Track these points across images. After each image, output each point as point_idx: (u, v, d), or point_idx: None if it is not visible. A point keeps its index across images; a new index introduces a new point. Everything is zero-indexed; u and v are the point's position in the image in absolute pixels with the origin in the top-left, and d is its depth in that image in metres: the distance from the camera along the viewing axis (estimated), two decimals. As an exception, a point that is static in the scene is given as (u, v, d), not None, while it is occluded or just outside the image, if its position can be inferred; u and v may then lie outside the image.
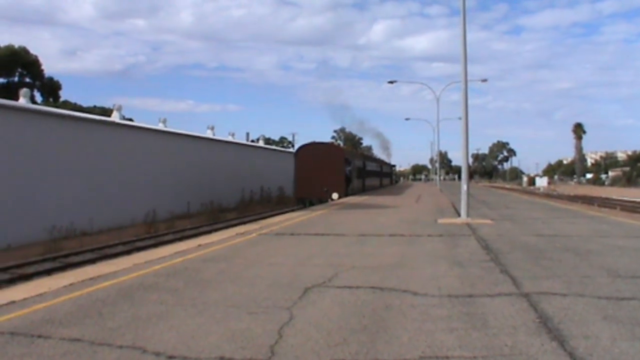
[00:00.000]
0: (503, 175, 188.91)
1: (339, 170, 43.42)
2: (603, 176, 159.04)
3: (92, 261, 19.23)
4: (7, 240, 23.90)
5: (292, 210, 34.36)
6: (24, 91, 32.43)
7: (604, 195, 64.39)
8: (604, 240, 15.08)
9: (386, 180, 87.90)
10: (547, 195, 69.92)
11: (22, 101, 30.70)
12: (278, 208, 44.74)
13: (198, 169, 43.96)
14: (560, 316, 6.97)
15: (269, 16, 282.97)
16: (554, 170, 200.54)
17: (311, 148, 45.05)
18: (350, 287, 8.86)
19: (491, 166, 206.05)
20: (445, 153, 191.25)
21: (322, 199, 40.67)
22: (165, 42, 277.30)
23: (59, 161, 28.37)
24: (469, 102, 22.82)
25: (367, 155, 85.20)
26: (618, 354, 5.64)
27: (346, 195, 43.28)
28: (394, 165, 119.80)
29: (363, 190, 54.36)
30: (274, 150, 69.18)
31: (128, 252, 20.80)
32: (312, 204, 39.20)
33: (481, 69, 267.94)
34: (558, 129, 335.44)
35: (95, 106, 71.41)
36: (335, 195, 41.06)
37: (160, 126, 44.26)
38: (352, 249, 13.60)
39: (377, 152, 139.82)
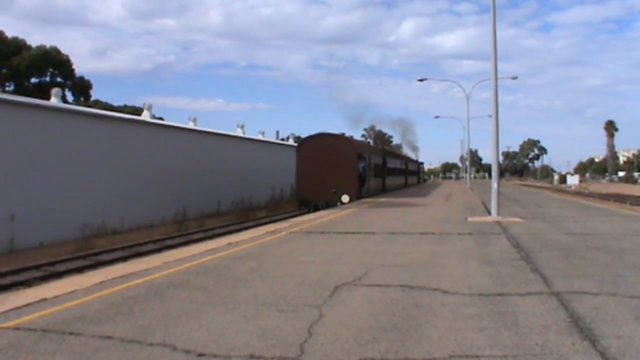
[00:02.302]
0: (534, 174, 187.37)
1: (351, 167, 36.44)
2: (635, 174, 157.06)
3: (123, 259, 19.43)
4: (39, 238, 24.21)
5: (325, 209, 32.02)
6: (55, 91, 32.87)
7: (636, 194, 63.43)
8: (637, 238, 14.90)
9: (412, 179, 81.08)
10: (579, 193, 69.19)
11: (54, 101, 31.12)
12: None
13: (228, 167, 44.11)
14: (591, 316, 6.89)
15: (298, 15, 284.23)
16: (586, 168, 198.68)
17: (316, 141, 37.70)
18: (380, 286, 8.84)
19: (522, 164, 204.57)
20: (476, 151, 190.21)
21: (330, 202, 34.07)
22: (195, 41, 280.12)
23: (90, 160, 28.65)
24: (499, 99, 22.68)
25: (388, 151, 75.64)
26: (652, 354, 5.56)
27: (360, 197, 36.92)
28: (421, 163, 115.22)
29: (383, 190, 47.93)
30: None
31: (158, 250, 20.98)
32: (317, 208, 33.28)
33: (511, 67, 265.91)
34: (590, 127, 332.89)
35: (125, 105, 72.27)
36: (345, 198, 34.24)
37: (191, 125, 44.60)
38: (382, 247, 13.56)
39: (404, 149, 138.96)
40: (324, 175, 35.02)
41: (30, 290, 9.53)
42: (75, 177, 27.49)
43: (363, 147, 43.45)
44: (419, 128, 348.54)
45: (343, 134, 41.08)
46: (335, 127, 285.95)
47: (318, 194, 34.89)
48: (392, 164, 57.32)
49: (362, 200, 36.06)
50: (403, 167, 69.43)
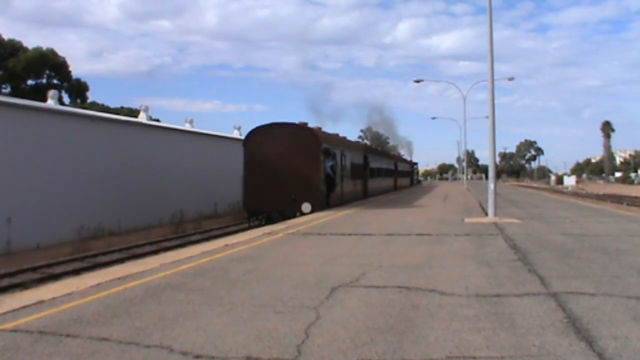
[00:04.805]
0: (531, 174, 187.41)
1: (314, 166, 28.32)
2: (632, 175, 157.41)
3: (120, 261, 19.41)
4: (36, 240, 24.18)
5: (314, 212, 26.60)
6: (52, 93, 32.96)
7: (633, 194, 63.49)
8: (634, 239, 14.91)
9: (404, 181, 73.18)
10: (576, 194, 69.21)
11: (51, 103, 31.14)
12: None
13: (226, 168, 44.05)
14: (588, 316, 6.89)
15: (294, 16, 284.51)
16: (582, 169, 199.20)
17: (268, 132, 28.89)
18: (377, 287, 8.83)
19: (519, 165, 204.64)
20: (472, 152, 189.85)
21: (287, 211, 26.26)
22: (191, 42, 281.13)
23: (87, 162, 28.62)
24: (496, 100, 22.64)
25: (371, 147, 64.73)
26: (649, 355, 5.56)
27: (328, 205, 29.36)
28: (416, 163, 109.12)
29: (364, 195, 40.58)
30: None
31: (155, 252, 20.96)
32: (270, 220, 25.91)
33: (508, 67, 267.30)
34: (586, 127, 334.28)
35: (122, 107, 72.14)
36: (306, 207, 26.64)
37: (187, 127, 44.58)
38: (379, 248, 13.54)
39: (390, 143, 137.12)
40: (279, 178, 27.50)
41: (27, 293, 9.49)
42: (73, 179, 27.46)
43: (332, 141, 33.31)
44: (416, 129, 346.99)
45: (305, 124, 31.53)
46: (336, 127, 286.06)
47: (271, 201, 27.37)
48: (377, 163, 49.35)
49: (358, 202, 34.01)
50: (392, 167, 61.37)
